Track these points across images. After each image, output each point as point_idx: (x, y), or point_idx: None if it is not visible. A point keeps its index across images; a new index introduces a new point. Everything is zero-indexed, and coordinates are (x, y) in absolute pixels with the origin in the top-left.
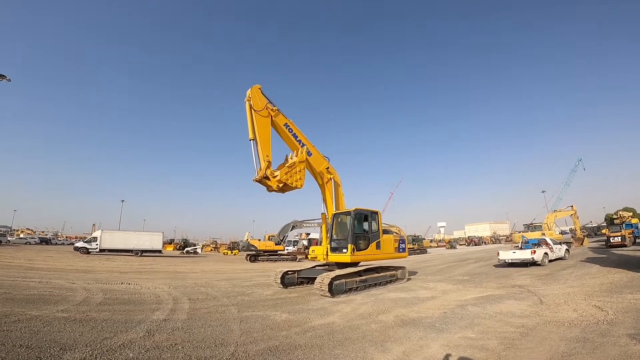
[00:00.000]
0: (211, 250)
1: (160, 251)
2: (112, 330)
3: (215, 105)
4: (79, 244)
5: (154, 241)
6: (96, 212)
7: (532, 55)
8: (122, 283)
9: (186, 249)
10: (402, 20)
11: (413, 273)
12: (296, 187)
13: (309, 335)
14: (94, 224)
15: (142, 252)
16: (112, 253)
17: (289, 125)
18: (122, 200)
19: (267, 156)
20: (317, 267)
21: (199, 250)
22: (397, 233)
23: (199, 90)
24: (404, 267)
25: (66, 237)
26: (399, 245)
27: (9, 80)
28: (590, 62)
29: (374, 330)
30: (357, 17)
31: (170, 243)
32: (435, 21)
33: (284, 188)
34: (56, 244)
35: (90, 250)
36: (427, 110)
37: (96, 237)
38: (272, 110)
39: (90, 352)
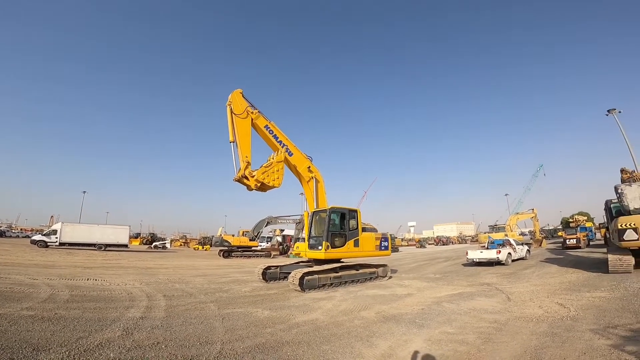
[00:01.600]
0: (181, 245)
1: (126, 245)
2: (86, 329)
3: (188, 96)
4: (37, 237)
5: (119, 235)
6: (54, 204)
7: (502, 58)
8: (88, 279)
9: (154, 243)
10: (399, 17)
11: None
12: (274, 186)
13: (294, 332)
14: (52, 216)
15: (106, 247)
16: (72, 247)
17: (269, 127)
18: (84, 192)
19: (247, 157)
20: (300, 263)
21: (167, 245)
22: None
23: (171, 81)
24: (385, 265)
25: (21, 229)
26: (380, 244)
27: None
28: (550, 64)
29: (358, 326)
30: (354, 14)
31: (136, 237)
32: (422, 20)
33: (263, 187)
34: (10, 236)
35: (48, 243)
36: (399, 109)
37: (56, 230)
38: (252, 113)
39: (67, 352)
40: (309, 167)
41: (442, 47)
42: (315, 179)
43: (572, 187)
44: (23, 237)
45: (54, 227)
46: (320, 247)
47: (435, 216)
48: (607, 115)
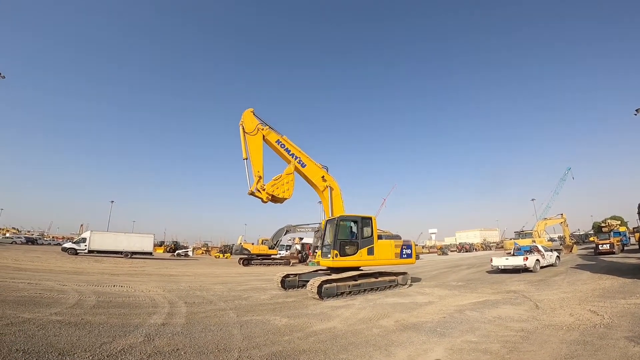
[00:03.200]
0: (202, 253)
1: (150, 253)
2: (110, 335)
3: (212, 105)
4: (67, 245)
5: (144, 243)
6: (84, 213)
7: (526, 56)
8: (114, 285)
9: (177, 251)
10: (401, 18)
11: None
12: (284, 198)
13: (311, 340)
14: (81, 225)
15: (132, 254)
16: (100, 254)
17: (281, 142)
18: (112, 201)
19: (258, 172)
20: (319, 271)
21: (190, 253)
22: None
23: (187, 83)
24: (405, 273)
25: (52, 237)
26: (401, 251)
27: (3, 77)
28: (578, 66)
29: (377, 335)
30: (356, 14)
31: (160, 245)
32: (432, 19)
33: (275, 199)
34: (42, 244)
35: (78, 251)
36: (419, 115)
37: (85, 238)
38: (262, 129)
39: (90, 357)
40: (323, 176)
41: (463, 47)
42: (330, 187)
43: (604, 191)
44: (54, 244)
45: (83, 235)
46: (330, 255)
47: (457, 223)
48: (635, 114)
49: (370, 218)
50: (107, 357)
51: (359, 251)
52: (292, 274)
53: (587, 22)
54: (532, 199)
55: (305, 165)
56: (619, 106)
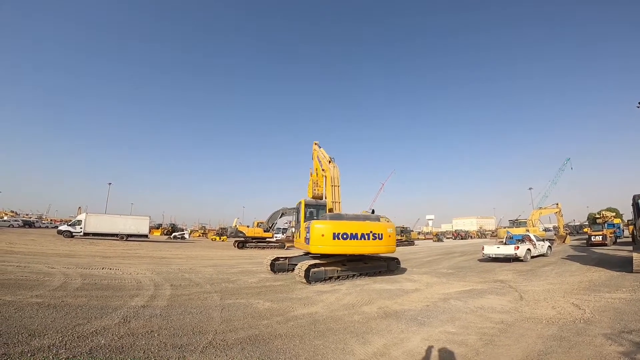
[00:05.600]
0: (199, 235)
1: (146, 236)
2: (86, 317)
3: (212, 95)
4: (63, 227)
5: (140, 225)
6: (83, 195)
7: (525, 53)
8: (103, 268)
9: (173, 234)
10: (403, 14)
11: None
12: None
13: (290, 325)
14: (79, 207)
15: (128, 237)
16: (96, 237)
17: (317, 155)
18: (110, 183)
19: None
20: (309, 255)
21: (186, 236)
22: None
23: (186, 75)
24: (395, 259)
25: (51, 220)
26: (305, 237)
27: None
28: (581, 61)
29: (357, 322)
30: (359, 8)
31: (157, 228)
32: (433, 16)
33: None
34: (40, 227)
35: (74, 233)
36: (419, 104)
37: (80, 221)
38: (314, 152)
39: (60, 338)
40: (322, 169)
41: (462, 44)
42: (326, 177)
43: (602, 182)
44: (52, 227)
45: (78, 217)
46: None
47: (454, 210)
48: (638, 107)
49: (299, 203)
50: (78, 338)
51: (294, 235)
52: (282, 258)
53: (582, 21)
54: (530, 188)
55: (322, 164)
56: (619, 100)
